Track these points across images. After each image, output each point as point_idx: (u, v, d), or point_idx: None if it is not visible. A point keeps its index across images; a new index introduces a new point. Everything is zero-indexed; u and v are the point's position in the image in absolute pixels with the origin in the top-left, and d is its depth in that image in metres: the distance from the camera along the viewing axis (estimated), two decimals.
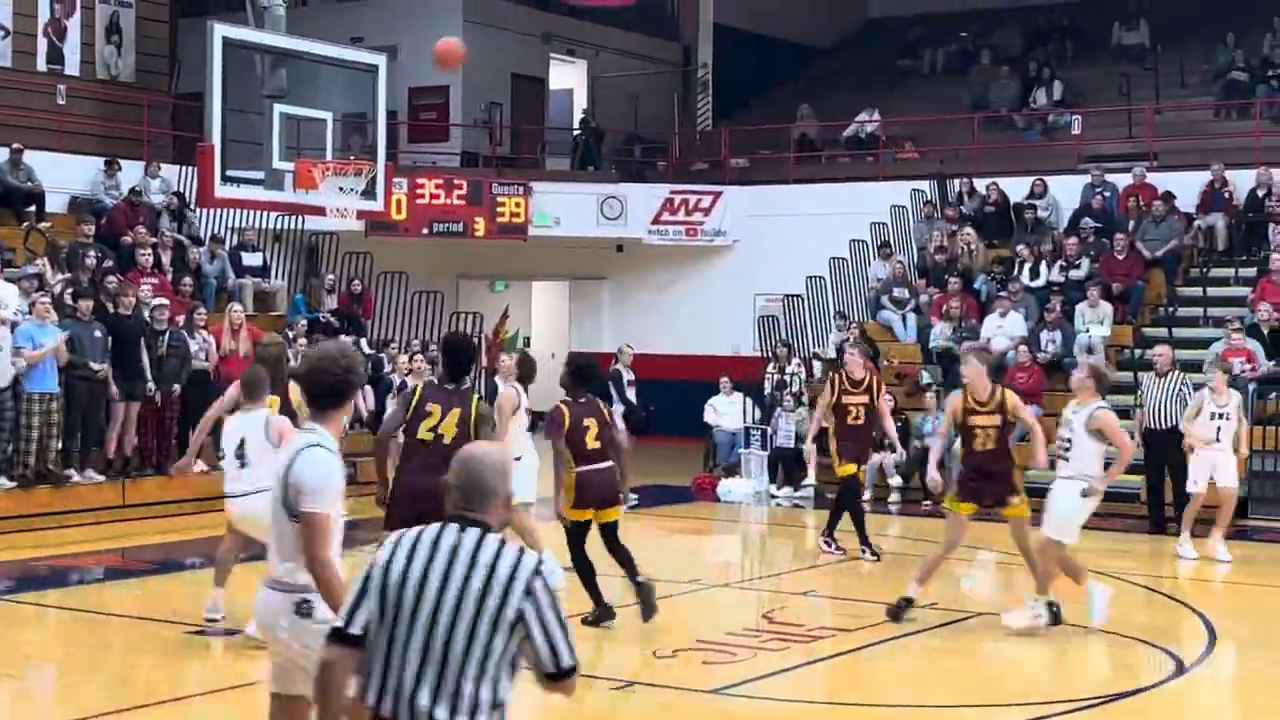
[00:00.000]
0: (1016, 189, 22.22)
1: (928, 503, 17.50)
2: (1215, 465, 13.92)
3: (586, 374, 10.07)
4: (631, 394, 18.78)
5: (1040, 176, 22.14)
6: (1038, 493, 11.04)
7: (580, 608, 9.89)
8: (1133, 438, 15.70)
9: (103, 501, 15.47)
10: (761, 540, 17.26)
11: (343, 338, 18.74)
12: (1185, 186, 21.08)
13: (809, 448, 15.39)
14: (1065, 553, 10.33)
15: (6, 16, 20.93)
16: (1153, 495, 15.83)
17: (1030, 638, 10.45)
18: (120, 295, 16.13)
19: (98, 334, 15.44)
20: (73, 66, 21.84)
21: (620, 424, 14.85)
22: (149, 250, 18.42)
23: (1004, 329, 19.15)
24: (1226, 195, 20.77)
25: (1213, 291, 19.90)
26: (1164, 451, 15.23)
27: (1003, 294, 19.76)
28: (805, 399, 19.31)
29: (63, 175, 19.94)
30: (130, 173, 20.31)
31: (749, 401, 19.92)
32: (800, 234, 23.01)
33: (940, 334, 19.74)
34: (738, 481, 18.71)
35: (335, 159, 18.27)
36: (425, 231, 23.00)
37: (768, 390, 19.97)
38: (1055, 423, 18.29)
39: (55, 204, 19.64)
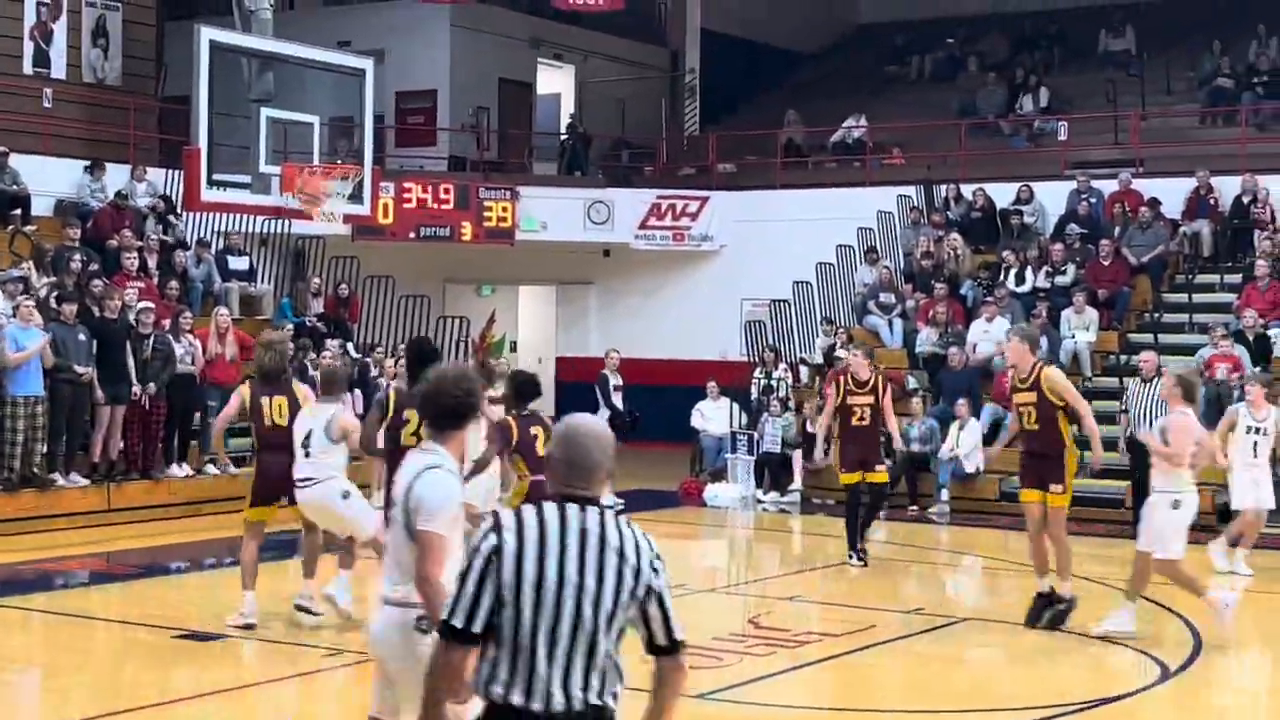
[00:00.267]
0: (1003, 195, 22.26)
1: (914, 508, 17.59)
2: (1256, 482, 13.50)
3: (526, 390, 10.16)
4: (618, 399, 18.78)
5: (1026, 182, 22.18)
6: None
7: None
8: (1118, 444, 15.90)
9: (88, 506, 15.43)
10: (748, 545, 17.27)
11: (334, 344, 18.76)
12: (1171, 193, 21.13)
13: (820, 450, 15.07)
14: (1175, 567, 10.19)
15: None
16: (1138, 500, 15.84)
17: (1015, 643, 10.47)
18: (106, 299, 16.09)
19: (82, 337, 15.40)
20: (59, 70, 21.79)
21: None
22: (134, 254, 18.38)
23: (990, 334, 19.18)
24: (1212, 202, 20.83)
25: (1198, 298, 19.96)
26: (1149, 457, 15.22)
27: (989, 300, 19.80)
28: (792, 404, 19.34)
29: (48, 178, 19.88)
30: (116, 176, 20.27)
31: (735, 406, 19.93)
32: (787, 239, 23.03)
33: (926, 339, 19.77)
34: (724, 486, 18.72)
35: (322, 163, 18.27)
36: (412, 236, 22.98)
37: (754, 395, 19.99)
38: None
39: (41, 207, 19.58)
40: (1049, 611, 10.61)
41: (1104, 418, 14.06)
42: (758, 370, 20.43)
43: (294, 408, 10.30)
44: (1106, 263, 20.06)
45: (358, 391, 16.64)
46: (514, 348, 26.28)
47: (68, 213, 19.35)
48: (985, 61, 28.12)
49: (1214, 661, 9.95)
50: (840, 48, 31.72)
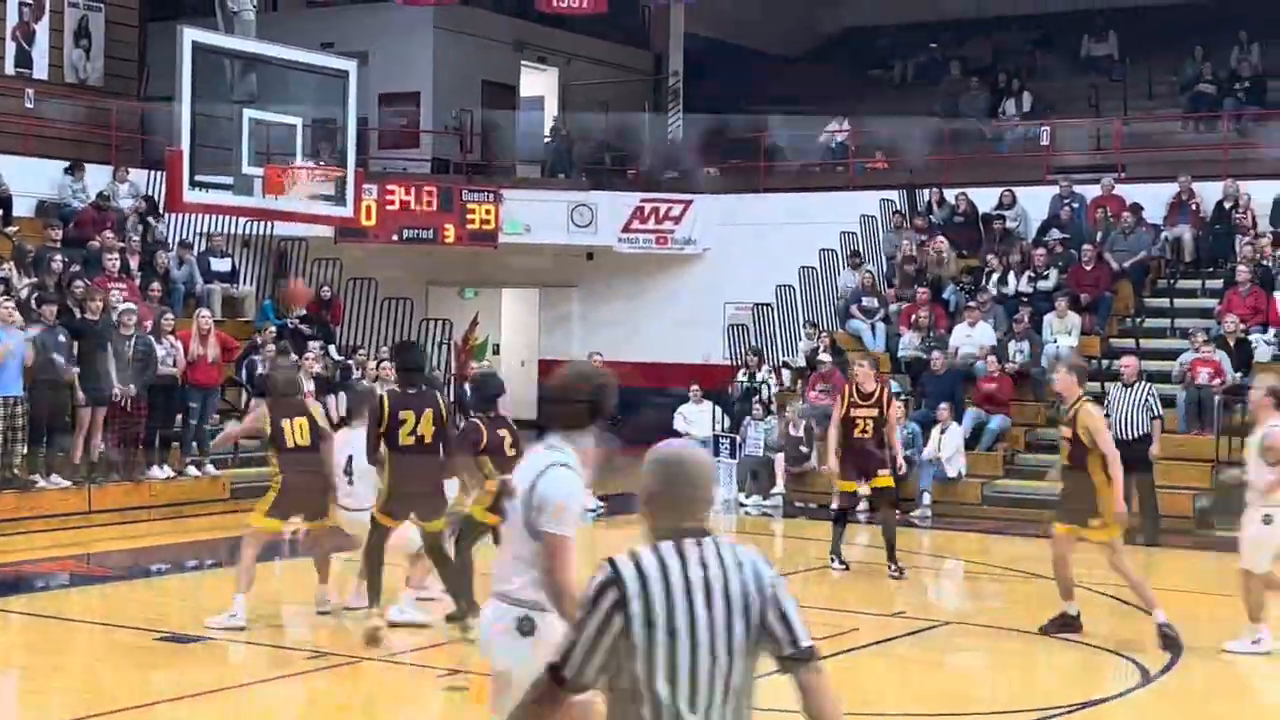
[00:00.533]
0: (985, 199, 22.31)
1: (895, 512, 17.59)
2: None
3: (491, 392, 10.25)
4: None
5: (1009, 187, 22.23)
6: None
7: None
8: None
9: (68, 507, 15.37)
10: None
11: (315, 347, 18.72)
12: (1153, 198, 21.21)
13: (830, 465, 14.26)
14: (1252, 580, 10.02)
15: None
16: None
17: (997, 647, 10.49)
18: (87, 300, 16.05)
19: (62, 338, 15.35)
20: (41, 70, 21.73)
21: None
22: (116, 255, 18.32)
23: (972, 339, 19.22)
24: (1194, 207, 20.90)
25: (1180, 303, 20.02)
26: (1130, 462, 15.27)
27: (971, 304, 19.83)
28: (774, 407, 19.34)
29: (30, 179, 19.83)
30: (98, 177, 20.21)
31: (718, 410, 19.93)
32: (770, 243, 23.05)
33: (909, 343, 19.80)
34: None
35: (305, 164, 18.21)
36: (395, 238, 22.95)
37: (737, 399, 19.99)
38: (1024, 432, 18.59)
39: (22, 208, 19.53)
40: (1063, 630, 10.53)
41: None
42: (740, 373, 20.44)
43: (314, 426, 10.51)
44: (1088, 268, 20.11)
45: (342, 394, 16.59)
46: (496, 350, 26.29)
47: (49, 213, 19.31)
48: (968, 66, 28.18)
49: (1193, 666, 9.98)
50: (823, 52, 31.75)
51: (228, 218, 20.23)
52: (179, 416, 16.87)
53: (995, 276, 20.60)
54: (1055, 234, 21.06)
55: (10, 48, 21.35)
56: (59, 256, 17.27)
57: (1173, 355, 18.05)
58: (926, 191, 23.05)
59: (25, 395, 14.82)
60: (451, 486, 10.27)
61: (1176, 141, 23.99)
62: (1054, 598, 10.68)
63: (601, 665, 3.92)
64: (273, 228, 21.24)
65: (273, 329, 18.77)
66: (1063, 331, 19.17)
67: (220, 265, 20.51)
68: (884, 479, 13.42)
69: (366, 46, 23.82)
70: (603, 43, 28.37)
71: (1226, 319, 18.24)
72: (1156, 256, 20.64)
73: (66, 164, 20.12)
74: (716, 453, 19.01)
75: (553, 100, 28.39)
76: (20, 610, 11.59)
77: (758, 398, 19.47)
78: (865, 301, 21.19)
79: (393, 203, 22.85)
